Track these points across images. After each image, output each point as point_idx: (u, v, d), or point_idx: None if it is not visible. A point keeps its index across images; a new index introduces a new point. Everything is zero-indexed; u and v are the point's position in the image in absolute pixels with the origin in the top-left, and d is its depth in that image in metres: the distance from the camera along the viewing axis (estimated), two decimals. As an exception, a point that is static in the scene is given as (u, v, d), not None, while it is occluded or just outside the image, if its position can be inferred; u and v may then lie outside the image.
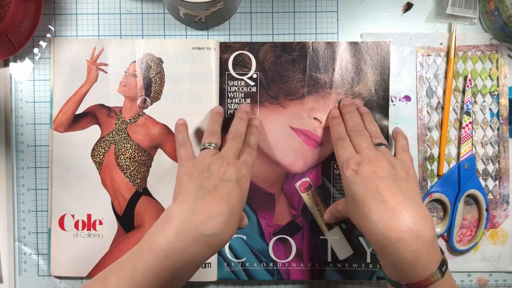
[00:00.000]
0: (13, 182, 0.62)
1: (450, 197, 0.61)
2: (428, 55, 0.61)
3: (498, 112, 0.61)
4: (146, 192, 0.61)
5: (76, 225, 0.61)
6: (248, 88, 0.61)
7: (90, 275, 0.61)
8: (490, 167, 0.62)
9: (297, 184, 0.61)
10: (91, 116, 0.61)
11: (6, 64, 0.61)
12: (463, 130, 0.61)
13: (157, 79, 0.60)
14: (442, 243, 0.62)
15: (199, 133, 0.61)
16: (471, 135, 0.61)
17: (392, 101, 0.61)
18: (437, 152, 0.62)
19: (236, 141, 0.54)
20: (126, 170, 0.61)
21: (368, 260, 0.61)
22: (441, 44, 0.61)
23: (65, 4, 0.61)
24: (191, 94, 0.60)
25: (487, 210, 0.60)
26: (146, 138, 0.61)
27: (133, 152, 0.61)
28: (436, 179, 0.62)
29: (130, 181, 0.61)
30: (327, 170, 0.61)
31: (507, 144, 0.61)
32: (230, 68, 0.61)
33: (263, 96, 0.61)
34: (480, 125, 0.62)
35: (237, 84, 0.61)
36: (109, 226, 0.61)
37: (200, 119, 0.60)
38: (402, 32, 0.61)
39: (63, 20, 0.62)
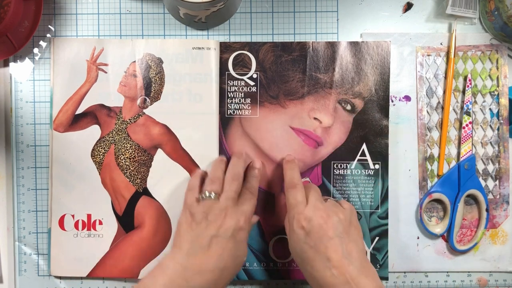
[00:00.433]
0: (13, 182, 0.62)
1: (450, 197, 0.61)
2: (428, 55, 0.61)
3: (498, 112, 0.61)
4: (146, 192, 0.61)
5: (76, 225, 0.61)
6: (248, 88, 0.61)
7: (90, 275, 0.61)
8: (490, 167, 0.62)
9: (297, 184, 0.61)
10: (91, 116, 0.61)
11: (6, 64, 0.61)
12: (463, 130, 0.61)
13: (157, 79, 0.60)
14: (442, 243, 0.62)
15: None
16: (471, 135, 0.61)
17: (392, 101, 0.61)
18: (437, 152, 0.62)
19: (234, 184, 0.54)
20: (126, 170, 0.61)
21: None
22: (441, 44, 0.61)
23: (65, 4, 0.61)
24: (191, 94, 0.60)
25: (487, 210, 0.60)
26: (146, 138, 0.61)
27: (133, 152, 0.61)
28: (436, 179, 0.62)
29: (130, 181, 0.61)
30: (327, 170, 0.61)
31: (507, 144, 0.61)
32: (230, 68, 0.61)
33: (263, 96, 0.61)
34: (480, 125, 0.62)
35: (237, 84, 0.61)
36: (109, 226, 0.61)
37: (200, 119, 0.60)
38: (402, 32, 0.61)
39: (63, 20, 0.62)
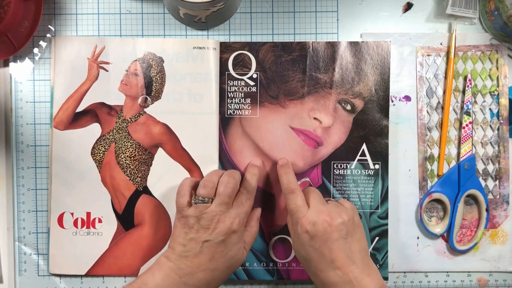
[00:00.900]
0: (13, 182, 0.62)
1: (450, 197, 0.61)
2: (428, 55, 0.61)
3: (498, 112, 0.61)
4: (146, 191, 0.61)
5: (75, 223, 0.61)
6: (248, 88, 0.61)
7: (89, 273, 0.61)
8: (490, 167, 0.62)
9: (297, 184, 0.61)
10: (92, 114, 0.61)
11: (6, 64, 0.61)
12: (463, 130, 0.61)
13: (158, 78, 0.60)
14: (442, 243, 0.62)
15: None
16: (471, 135, 0.61)
17: (392, 101, 0.61)
18: (437, 152, 0.62)
19: (229, 187, 0.53)
20: (126, 168, 0.61)
21: (368, 260, 0.61)
22: (441, 44, 0.61)
23: (65, 4, 0.62)
24: (192, 93, 0.60)
25: (487, 210, 0.60)
26: (146, 137, 0.61)
27: (134, 151, 0.61)
28: (436, 179, 0.62)
29: (130, 179, 0.61)
30: (327, 170, 0.61)
31: (507, 144, 0.61)
32: (230, 68, 0.61)
33: (263, 96, 0.61)
34: (480, 125, 0.62)
35: (237, 84, 0.61)
36: (109, 224, 0.61)
37: (200, 119, 0.60)
38: (402, 32, 0.62)
39: (63, 20, 0.62)
